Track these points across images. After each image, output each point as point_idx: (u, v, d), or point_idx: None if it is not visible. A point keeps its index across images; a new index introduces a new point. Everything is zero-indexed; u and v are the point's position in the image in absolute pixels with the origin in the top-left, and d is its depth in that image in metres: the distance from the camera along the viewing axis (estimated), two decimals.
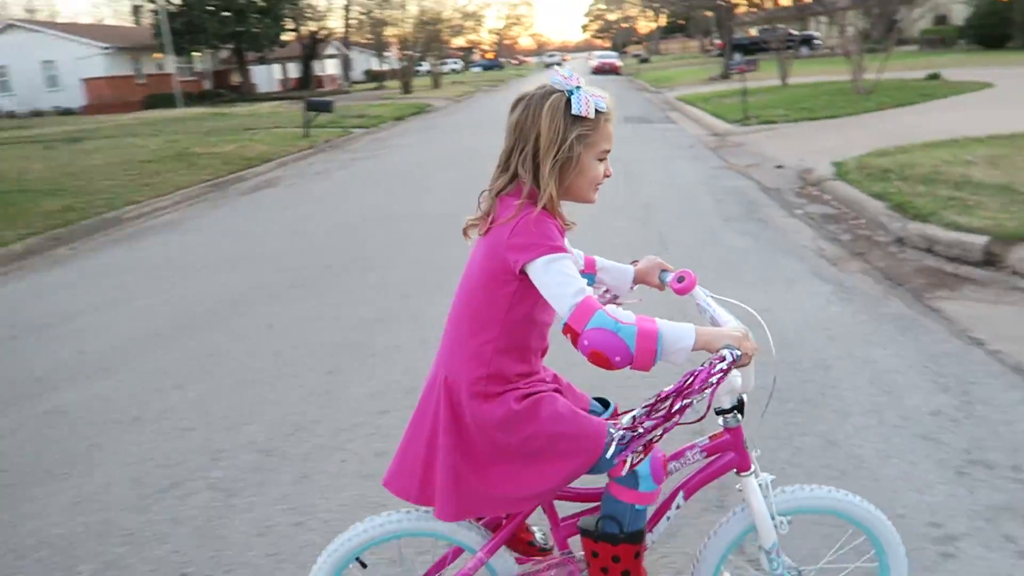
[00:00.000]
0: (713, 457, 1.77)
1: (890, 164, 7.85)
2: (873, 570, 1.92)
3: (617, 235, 6.65)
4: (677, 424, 1.54)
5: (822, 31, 39.57)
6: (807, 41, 36.67)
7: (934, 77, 16.85)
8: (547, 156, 1.52)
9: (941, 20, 36.83)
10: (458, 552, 1.84)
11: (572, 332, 1.47)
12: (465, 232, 1.68)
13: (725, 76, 26.07)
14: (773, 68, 20.61)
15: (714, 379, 1.48)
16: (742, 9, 30.25)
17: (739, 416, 1.73)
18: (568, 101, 1.54)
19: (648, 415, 1.53)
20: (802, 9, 22.63)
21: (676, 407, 1.51)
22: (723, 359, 1.49)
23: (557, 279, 1.48)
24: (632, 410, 1.58)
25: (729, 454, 1.75)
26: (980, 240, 5.29)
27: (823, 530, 2.32)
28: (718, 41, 41.64)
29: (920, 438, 3.08)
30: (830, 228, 6.46)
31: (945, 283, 4.95)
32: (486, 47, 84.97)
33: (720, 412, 1.71)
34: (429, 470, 1.66)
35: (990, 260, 5.18)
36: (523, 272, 1.52)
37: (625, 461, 1.59)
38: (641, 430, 1.53)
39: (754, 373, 1.63)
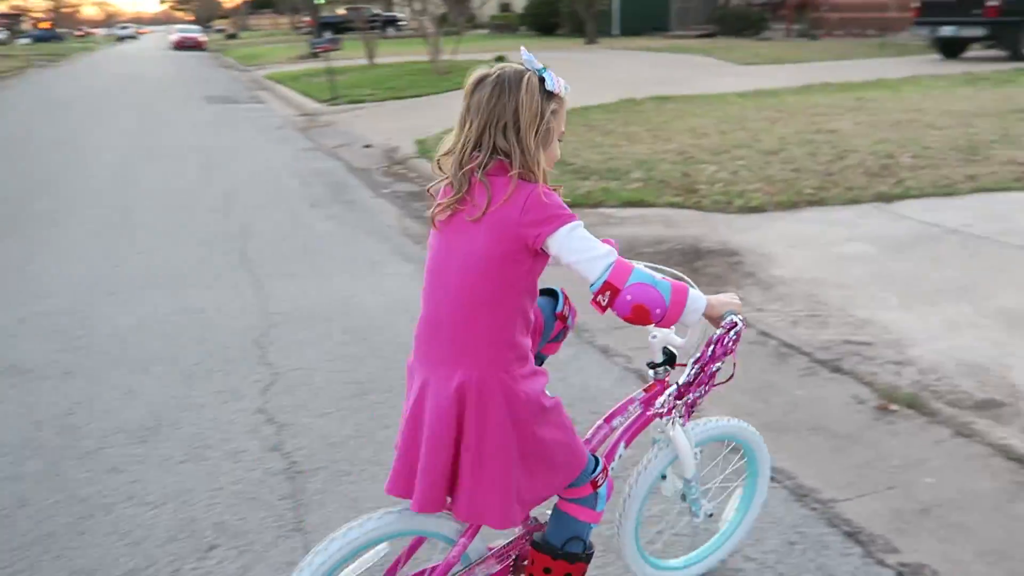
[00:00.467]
0: (643, 406, 1.90)
1: None
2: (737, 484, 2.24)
3: (196, 227, 6.01)
4: (714, 386, 1.74)
5: (407, 13, 41.41)
6: (393, 22, 38.10)
7: (500, 59, 18.57)
8: (530, 131, 1.51)
9: (506, 8, 41.09)
10: (418, 543, 1.79)
11: (612, 289, 1.47)
12: (433, 220, 1.59)
13: (315, 55, 25.76)
14: (361, 47, 20.87)
15: (732, 343, 1.65)
16: None
17: (668, 368, 1.88)
18: (541, 79, 1.54)
19: (693, 383, 1.70)
20: None
21: (711, 371, 1.69)
22: (735, 324, 1.63)
23: (583, 244, 1.49)
24: (671, 383, 1.77)
25: None
26: None
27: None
28: (307, 18, 41.09)
29: None
30: (415, 206, 6.61)
31: None
32: (39, 15, 72.61)
33: (652, 366, 1.87)
34: (456, 480, 1.60)
35: None
36: (541, 247, 1.51)
37: (595, 483, 1.73)
38: (691, 396, 1.72)
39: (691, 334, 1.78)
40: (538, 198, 1.49)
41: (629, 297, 1.47)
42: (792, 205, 5.61)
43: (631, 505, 1.96)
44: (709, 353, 1.67)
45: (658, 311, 1.50)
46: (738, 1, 27.39)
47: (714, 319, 1.63)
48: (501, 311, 1.54)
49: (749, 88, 11.44)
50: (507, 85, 1.52)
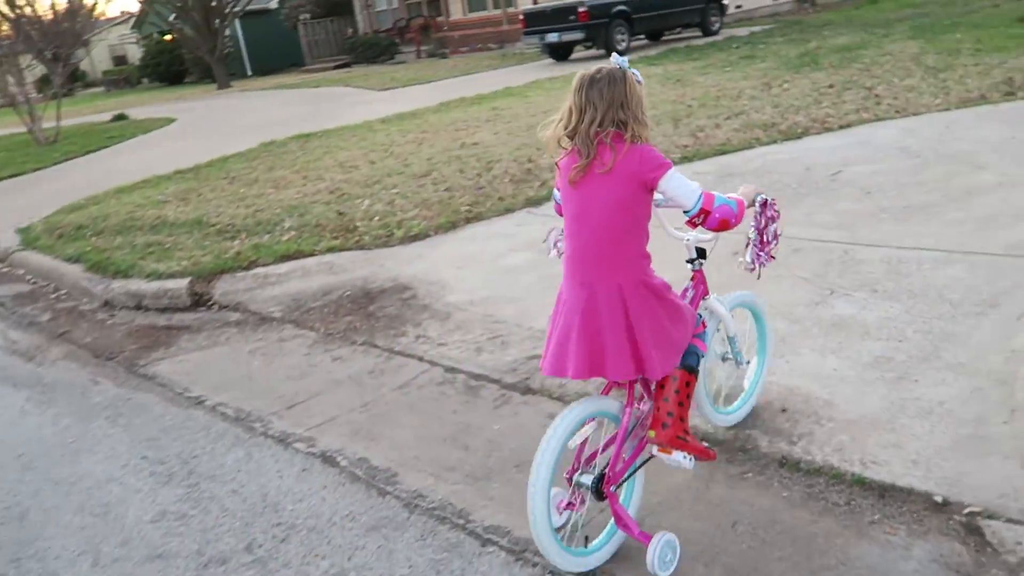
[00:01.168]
0: (695, 290, 2.50)
1: (84, 219, 7.12)
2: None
3: None
4: (778, 238, 2.51)
5: None
6: None
7: (121, 118, 16.66)
8: (639, 109, 2.10)
9: (121, 60, 37.42)
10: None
11: (705, 213, 2.11)
12: (571, 181, 2.12)
13: None
14: None
15: (773, 211, 2.45)
16: None
17: (702, 261, 2.50)
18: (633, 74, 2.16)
19: (761, 240, 2.45)
20: None
21: (772, 228, 2.46)
22: (766, 200, 2.40)
23: (682, 182, 2.10)
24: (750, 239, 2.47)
25: (701, 286, 2.52)
26: (183, 283, 5.07)
27: None
28: None
29: (155, 561, 2.52)
30: (26, 311, 5.40)
31: (160, 340, 4.54)
32: None
33: (690, 261, 2.50)
34: (635, 350, 2.13)
35: (199, 301, 5.01)
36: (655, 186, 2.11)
37: (704, 324, 2.41)
38: (769, 249, 2.47)
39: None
40: (650, 152, 2.09)
41: (717, 215, 2.12)
42: (452, 226, 5.53)
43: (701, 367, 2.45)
44: (764, 220, 2.41)
45: (732, 221, 2.15)
46: (364, 29, 27.83)
47: (751, 204, 2.32)
48: (635, 234, 2.12)
49: (391, 112, 11.45)
50: (616, 78, 2.09)
